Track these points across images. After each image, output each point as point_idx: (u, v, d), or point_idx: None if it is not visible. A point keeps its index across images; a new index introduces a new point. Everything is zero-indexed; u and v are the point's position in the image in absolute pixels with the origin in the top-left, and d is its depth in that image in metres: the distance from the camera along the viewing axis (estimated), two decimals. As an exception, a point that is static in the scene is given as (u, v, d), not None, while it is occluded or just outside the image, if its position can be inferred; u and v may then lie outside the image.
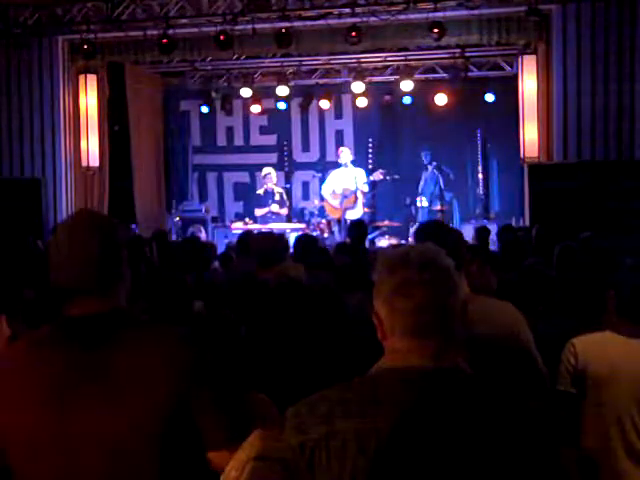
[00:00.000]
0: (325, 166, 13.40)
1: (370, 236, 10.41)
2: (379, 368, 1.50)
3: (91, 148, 11.59)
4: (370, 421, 1.40)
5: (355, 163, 12.00)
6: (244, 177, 14.06)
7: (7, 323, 2.34)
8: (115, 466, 1.58)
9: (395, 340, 1.49)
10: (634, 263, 4.14)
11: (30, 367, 1.64)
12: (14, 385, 1.64)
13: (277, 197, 11.73)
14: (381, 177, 11.37)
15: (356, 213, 11.21)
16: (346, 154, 11.83)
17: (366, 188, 11.47)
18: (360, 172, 11.61)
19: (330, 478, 1.42)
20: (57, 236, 1.76)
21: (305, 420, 1.47)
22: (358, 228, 6.71)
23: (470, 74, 12.20)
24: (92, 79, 11.53)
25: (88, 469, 1.59)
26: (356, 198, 11.43)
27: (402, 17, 9.57)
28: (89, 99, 11.52)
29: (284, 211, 11.78)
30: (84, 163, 11.55)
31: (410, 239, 11.26)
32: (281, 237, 5.04)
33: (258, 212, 11.80)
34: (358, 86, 12.15)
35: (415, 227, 6.45)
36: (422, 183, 12.07)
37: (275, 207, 11.64)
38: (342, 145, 12.95)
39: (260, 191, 11.95)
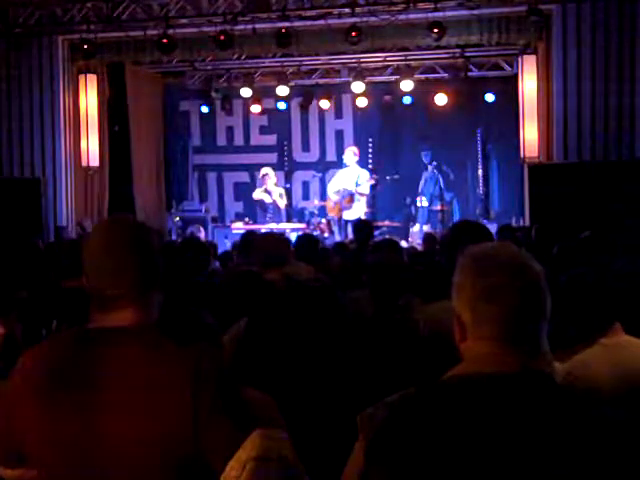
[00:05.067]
0: (325, 166, 13.42)
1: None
2: (464, 372, 1.45)
3: (91, 148, 11.58)
4: (460, 427, 1.36)
5: (357, 163, 12.00)
6: (244, 177, 14.06)
7: (2, 322, 2.35)
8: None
9: (481, 345, 1.44)
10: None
11: (42, 369, 1.64)
12: (30, 384, 1.63)
13: (276, 197, 11.73)
14: (372, 182, 11.38)
15: (353, 213, 11.20)
16: (350, 154, 11.80)
17: (367, 189, 11.44)
18: (364, 173, 11.58)
19: None
20: (92, 241, 1.72)
21: None
22: (363, 228, 6.67)
23: (470, 74, 12.19)
24: (92, 79, 11.53)
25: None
26: (352, 199, 11.41)
27: (402, 17, 9.58)
28: (89, 99, 11.52)
29: (283, 202, 11.76)
30: (84, 163, 11.54)
31: (410, 239, 11.27)
32: (284, 238, 5.02)
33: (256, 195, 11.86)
34: (358, 86, 12.14)
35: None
36: (422, 183, 12.08)
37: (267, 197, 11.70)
38: (342, 145, 12.95)
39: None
